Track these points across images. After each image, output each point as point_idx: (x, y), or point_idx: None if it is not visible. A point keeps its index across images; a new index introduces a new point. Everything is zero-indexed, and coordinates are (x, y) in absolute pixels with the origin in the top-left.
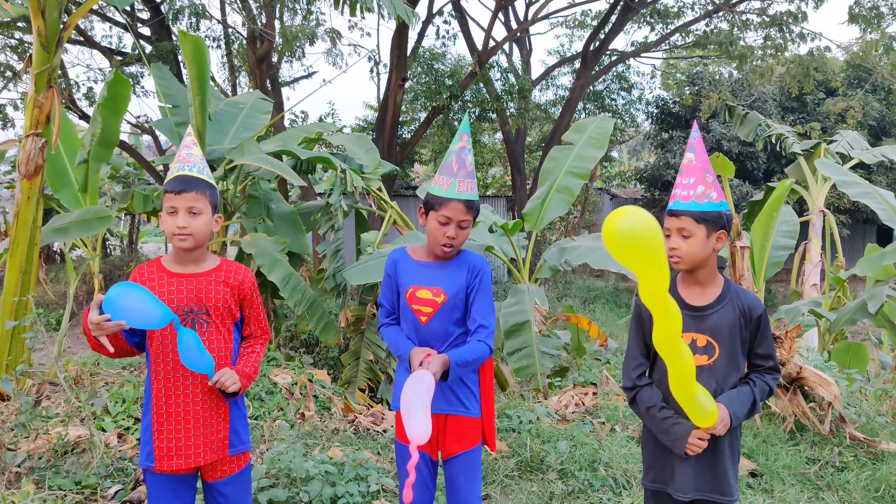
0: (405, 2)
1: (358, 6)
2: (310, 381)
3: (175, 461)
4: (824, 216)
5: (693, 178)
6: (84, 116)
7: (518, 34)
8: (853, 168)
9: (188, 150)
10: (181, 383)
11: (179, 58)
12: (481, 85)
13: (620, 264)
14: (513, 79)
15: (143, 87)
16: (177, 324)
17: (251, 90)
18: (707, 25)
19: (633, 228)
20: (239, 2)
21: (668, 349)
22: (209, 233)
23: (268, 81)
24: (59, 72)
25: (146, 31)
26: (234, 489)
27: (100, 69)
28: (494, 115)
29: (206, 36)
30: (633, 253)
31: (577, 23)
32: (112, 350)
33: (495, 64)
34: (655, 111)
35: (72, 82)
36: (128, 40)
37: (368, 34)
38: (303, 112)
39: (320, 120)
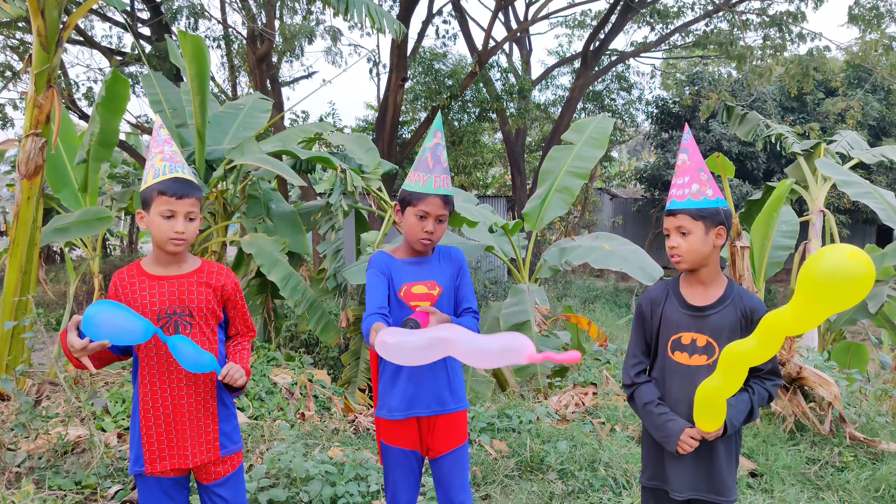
0: (402, 7)
1: (341, 17)
2: (310, 381)
3: (168, 462)
4: (824, 216)
5: (687, 178)
6: (84, 116)
7: (518, 34)
8: (853, 168)
9: (170, 146)
10: (168, 385)
11: None
12: (481, 85)
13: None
14: (513, 79)
15: (142, 87)
16: (161, 335)
17: (251, 91)
18: (707, 25)
19: (856, 272)
20: (239, 1)
21: (742, 364)
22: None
23: (268, 81)
24: (59, 72)
25: (146, 30)
26: (230, 491)
27: (100, 69)
28: (494, 115)
29: (206, 36)
30: (840, 295)
31: (577, 23)
32: (94, 369)
33: (495, 64)
34: (655, 111)
35: (72, 82)
36: (127, 40)
37: (368, 34)
38: (303, 112)
39: (320, 120)
